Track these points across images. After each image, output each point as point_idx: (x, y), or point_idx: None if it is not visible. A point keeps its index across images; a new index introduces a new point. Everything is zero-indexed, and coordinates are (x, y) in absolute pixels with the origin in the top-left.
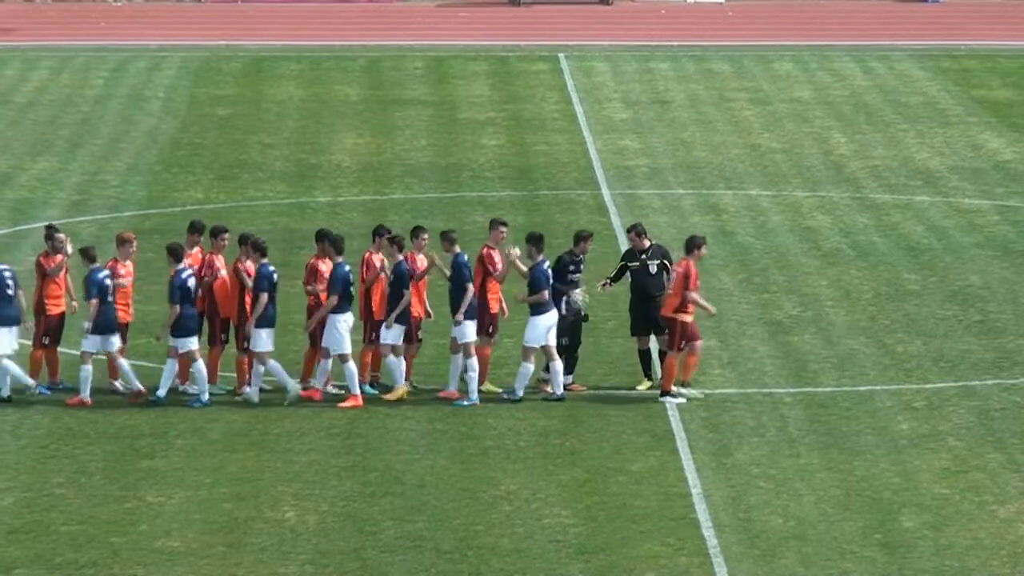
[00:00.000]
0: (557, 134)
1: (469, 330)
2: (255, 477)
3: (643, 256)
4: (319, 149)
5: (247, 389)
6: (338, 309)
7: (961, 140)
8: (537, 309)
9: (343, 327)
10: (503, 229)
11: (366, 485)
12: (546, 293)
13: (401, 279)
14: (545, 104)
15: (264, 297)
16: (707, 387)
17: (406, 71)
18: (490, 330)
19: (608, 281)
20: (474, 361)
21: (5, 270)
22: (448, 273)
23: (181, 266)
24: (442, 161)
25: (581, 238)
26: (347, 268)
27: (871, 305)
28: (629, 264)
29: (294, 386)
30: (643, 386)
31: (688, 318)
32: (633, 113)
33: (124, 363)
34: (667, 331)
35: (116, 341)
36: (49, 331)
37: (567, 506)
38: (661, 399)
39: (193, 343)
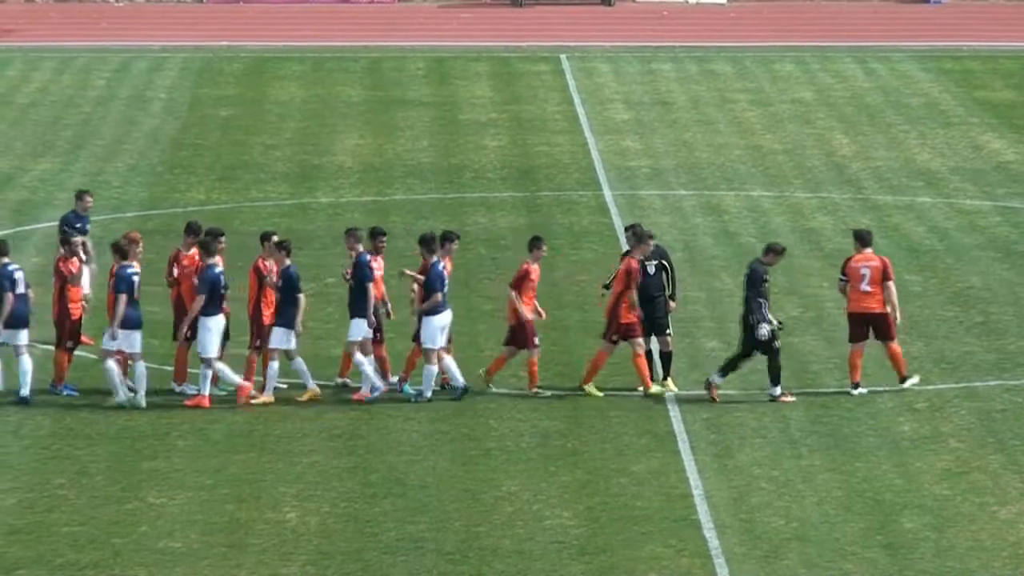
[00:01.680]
0: (559, 135)
1: (360, 329)
2: (257, 478)
3: (642, 257)
4: (321, 150)
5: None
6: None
7: (963, 141)
8: (432, 310)
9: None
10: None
11: (367, 486)
12: (439, 295)
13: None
14: (547, 105)
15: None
16: (697, 388)
17: (408, 72)
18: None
19: (604, 289)
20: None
21: (16, 269)
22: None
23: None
24: (444, 162)
25: (773, 251)
26: (218, 270)
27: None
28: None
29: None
30: (656, 388)
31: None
32: (635, 114)
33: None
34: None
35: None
36: (72, 334)
37: (568, 507)
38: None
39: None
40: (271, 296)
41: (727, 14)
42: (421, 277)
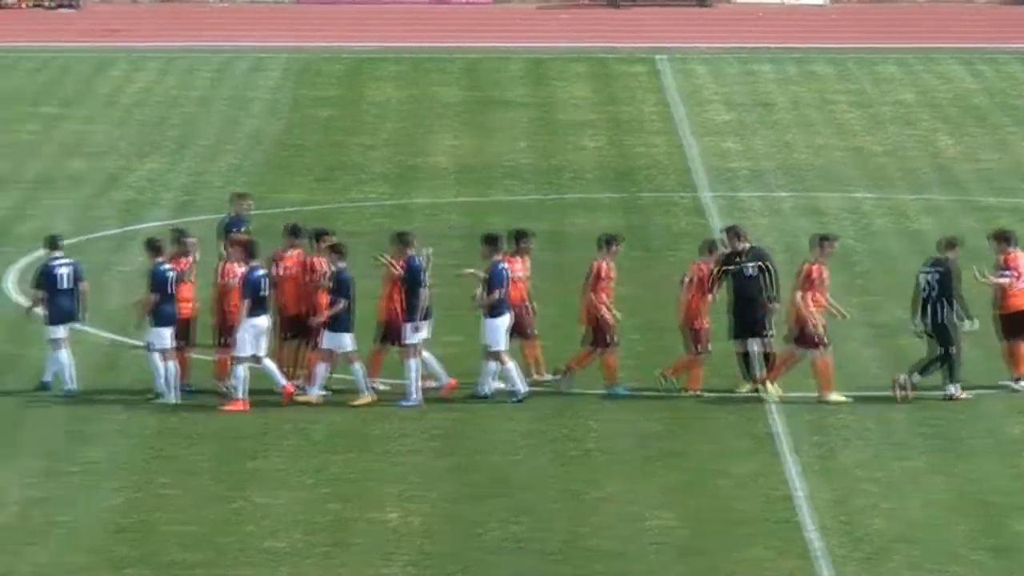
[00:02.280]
0: (656, 136)
1: (420, 333)
2: (359, 478)
3: (739, 259)
4: (419, 151)
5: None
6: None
7: None
8: (494, 311)
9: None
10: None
11: (470, 487)
12: (496, 294)
13: (342, 285)
14: (644, 106)
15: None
16: (811, 390)
17: (506, 73)
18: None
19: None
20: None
21: (61, 265)
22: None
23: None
24: (542, 163)
25: (956, 245)
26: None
27: (979, 308)
28: (726, 267)
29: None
30: (744, 389)
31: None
32: (734, 115)
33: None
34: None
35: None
36: (179, 333)
37: (669, 509)
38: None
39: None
40: (322, 296)
41: (828, 15)
42: (482, 274)
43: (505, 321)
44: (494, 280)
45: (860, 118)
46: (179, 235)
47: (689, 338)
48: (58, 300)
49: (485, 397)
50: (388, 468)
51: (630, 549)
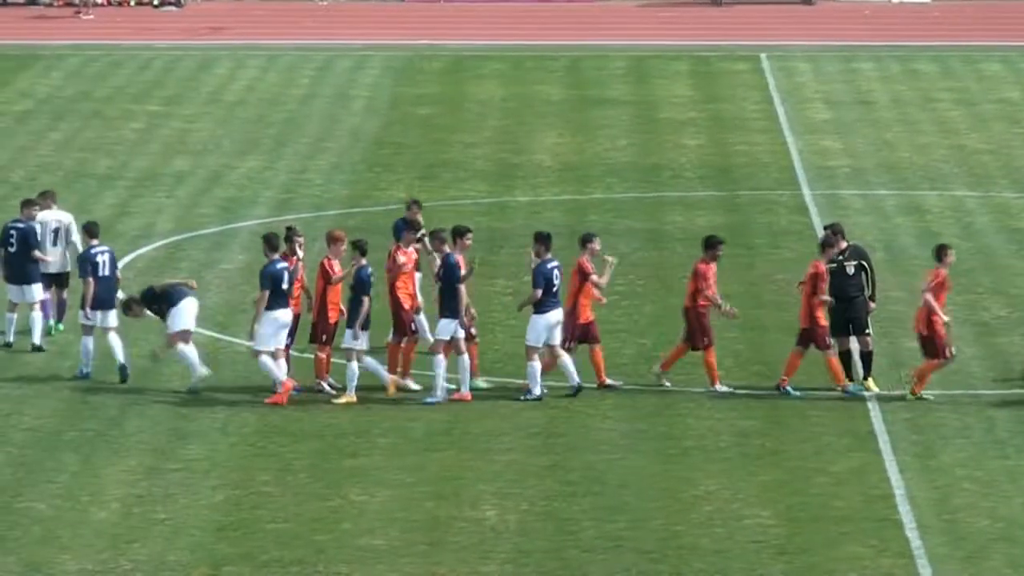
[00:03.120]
0: (758, 134)
1: (446, 328)
2: (456, 476)
3: (840, 257)
4: (520, 148)
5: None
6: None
7: None
8: (539, 308)
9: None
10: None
11: (566, 484)
12: (539, 292)
13: (362, 285)
14: (746, 104)
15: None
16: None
17: (607, 71)
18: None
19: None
20: (441, 358)
21: (101, 252)
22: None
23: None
24: (643, 161)
25: None
26: (280, 265)
27: None
28: (827, 265)
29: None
30: (863, 383)
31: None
32: (835, 113)
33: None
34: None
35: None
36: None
37: (768, 506)
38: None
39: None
40: (336, 295)
41: (930, 13)
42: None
43: (550, 317)
44: (538, 278)
45: (963, 116)
46: (291, 233)
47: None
48: (101, 287)
49: (539, 399)
50: (485, 466)
51: (728, 547)
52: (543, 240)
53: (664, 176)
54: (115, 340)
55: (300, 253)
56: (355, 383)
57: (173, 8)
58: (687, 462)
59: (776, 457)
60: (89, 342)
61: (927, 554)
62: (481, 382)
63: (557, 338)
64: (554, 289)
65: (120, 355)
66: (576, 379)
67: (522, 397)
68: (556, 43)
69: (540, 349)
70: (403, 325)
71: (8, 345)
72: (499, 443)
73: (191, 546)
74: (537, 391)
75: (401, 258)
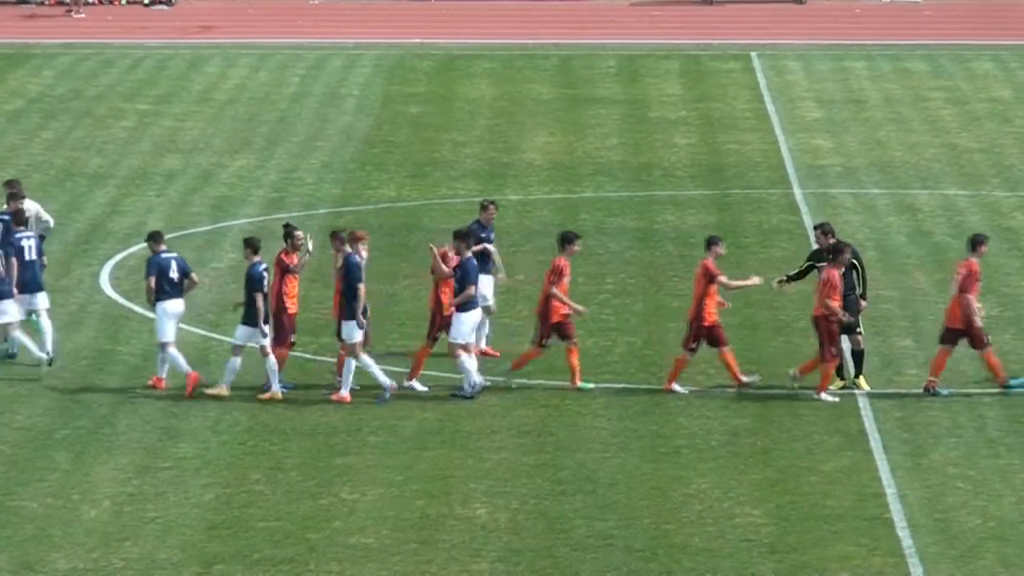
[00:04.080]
0: (749, 133)
1: (356, 331)
2: (447, 474)
3: (831, 255)
4: (511, 147)
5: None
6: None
7: None
8: (464, 306)
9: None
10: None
11: (557, 483)
12: (473, 289)
13: (251, 281)
14: (737, 103)
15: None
16: (902, 387)
17: (598, 70)
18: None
19: (786, 279)
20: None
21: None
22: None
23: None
24: (633, 160)
25: None
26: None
27: None
28: (816, 264)
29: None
30: (835, 385)
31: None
32: (826, 112)
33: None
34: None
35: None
36: (292, 329)
37: (758, 505)
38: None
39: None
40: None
41: (921, 12)
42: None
43: (475, 316)
44: (468, 276)
45: (955, 115)
46: (290, 230)
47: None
48: (20, 270)
49: (470, 397)
50: (476, 464)
51: (719, 546)
52: (463, 238)
53: (655, 175)
54: (46, 323)
55: (311, 247)
56: (232, 378)
57: (164, 7)
58: (678, 461)
59: (767, 456)
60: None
61: (918, 553)
62: (416, 384)
63: (481, 336)
64: (480, 285)
65: (48, 339)
66: (474, 380)
67: (459, 392)
68: (547, 42)
69: (469, 344)
70: (437, 327)
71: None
72: (490, 441)
73: (182, 544)
74: (477, 379)
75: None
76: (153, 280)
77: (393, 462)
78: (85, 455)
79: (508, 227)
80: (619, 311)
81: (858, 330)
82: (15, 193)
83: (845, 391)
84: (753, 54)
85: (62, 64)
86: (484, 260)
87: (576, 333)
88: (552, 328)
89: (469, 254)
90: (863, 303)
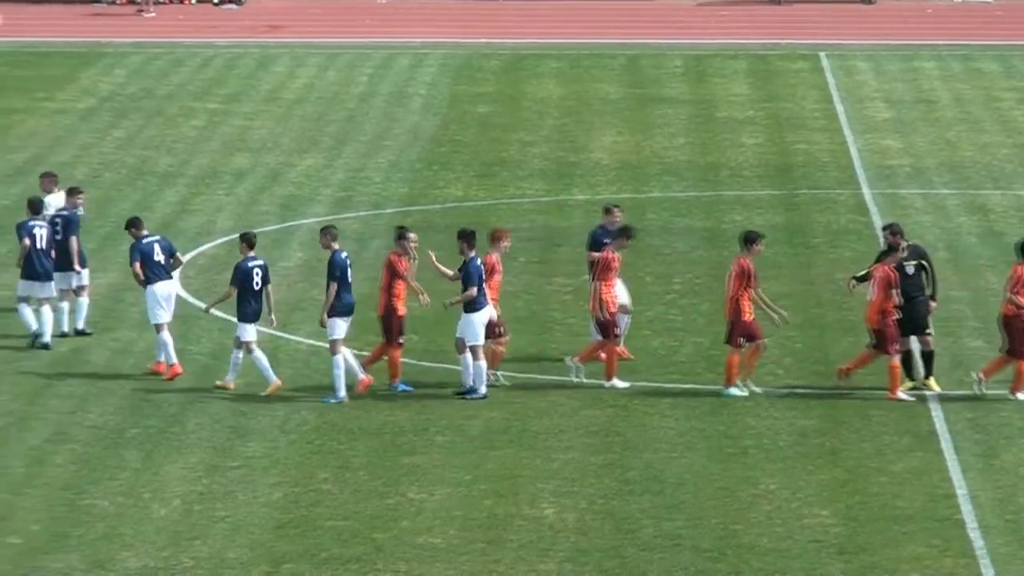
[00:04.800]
0: (817, 133)
1: (337, 328)
2: (514, 474)
3: (899, 256)
4: (578, 147)
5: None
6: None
7: None
8: (471, 306)
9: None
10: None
11: (625, 483)
12: (474, 290)
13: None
14: (805, 103)
15: (335, 285)
16: (970, 387)
17: (665, 69)
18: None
19: (854, 280)
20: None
21: (258, 266)
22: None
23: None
24: (701, 159)
25: None
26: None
27: None
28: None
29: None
30: (905, 386)
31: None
32: (896, 112)
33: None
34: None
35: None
36: (402, 330)
37: (827, 506)
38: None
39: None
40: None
41: (993, 12)
42: (449, 272)
43: (483, 316)
44: (470, 277)
45: None
46: (403, 232)
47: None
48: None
49: (473, 391)
50: (544, 464)
51: (787, 546)
52: (467, 237)
53: (722, 175)
54: (48, 314)
55: (413, 254)
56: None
57: (233, 6)
58: (745, 461)
59: (836, 456)
60: (23, 310)
61: (990, 554)
62: (401, 385)
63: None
64: (484, 286)
65: (48, 329)
66: (471, 382)
67: (467, 397)
68: (614, 41)
69: (481, 345)
70: (608, 329)
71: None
72: (558, 441)
73: (251, 544)
74: (483, 390)
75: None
76: (138, 265)
77: (460, 461)
78: (155, 454)
79: (575, 227)
80: (686, 311)
81: (928, 331)
82: (73, 188)
83: (915, 391)
84: (822, 54)
85: (133, 63)
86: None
87: (763, 335)
88: (742, 328)
89: (473, 254)
90: (933, 304)
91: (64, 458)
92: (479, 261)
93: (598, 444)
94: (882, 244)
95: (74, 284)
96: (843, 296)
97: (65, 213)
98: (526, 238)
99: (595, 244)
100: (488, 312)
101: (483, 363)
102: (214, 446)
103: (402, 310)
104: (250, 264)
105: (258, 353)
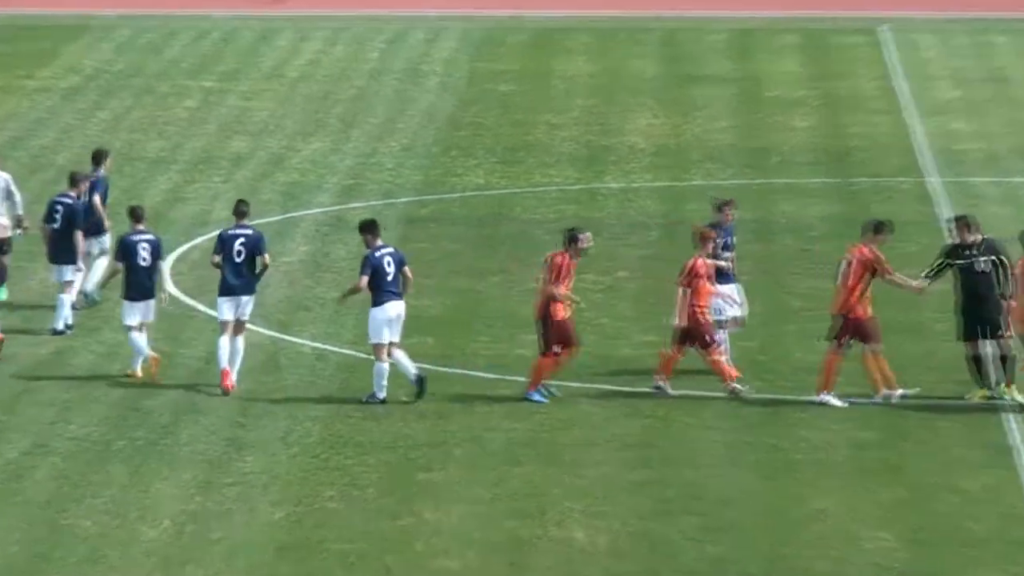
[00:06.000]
0: (876, 115)
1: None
2: (540, 492)
3: (970, 252)
4: (610, 130)
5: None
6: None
7: None
8: (375, 301)
9: None
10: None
11: (663, 502)
12: (364, 280)
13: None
14: (862, 82)
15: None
16: None
17: (707, 44)
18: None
19: (927, 280)
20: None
21: (145, 240)
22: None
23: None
24: (747, 144)
25: None
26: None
27: None
28: (953, 261)
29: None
30: (976, 395)
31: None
32: (965, 92)
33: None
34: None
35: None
36: (564, 338)
37: (889, 527)
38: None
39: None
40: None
41: None
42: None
43: (388, 311)
44: (365, 267)
45: None
46: (574, 234)
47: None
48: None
49: (382, 401)
50: (572, 481)
51: (844, 571)
52: (370, 228)
53: (771, 161)
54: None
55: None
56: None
57: None
58: (797, 477)
59: (898, 473)
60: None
61: None
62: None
63: (398, 334)
64: (388, 279)
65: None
66: (413, 371)
67: (364, 399)
68: (650, 13)
69: (384, 345)
70: (702, 335)
71: (59, 332)
72: (588, 456)
73: (249, 568)
74: (381, 395)
75: (701, 270)
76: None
77: (481, 478)
78: (144, 469)
79: (608, 218)
80: None
81: (1004, 334)
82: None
83: (989, 400)
84: (882, 27)
85: (120, 37)
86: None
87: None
88: (853, 327)
89: (379, 243)
90: (1010, 303)
91: (44, 473)
92: (379, 253)
93: (633, 459)
94: (949, 237)
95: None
96: (911, 296)
97: (68, 201)
98: (553, 230)
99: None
100: (395, 308)
101: (385, 365)
102: (209, 460)
103: (561, 314)
104: (134, 238)
105: (135, 335)
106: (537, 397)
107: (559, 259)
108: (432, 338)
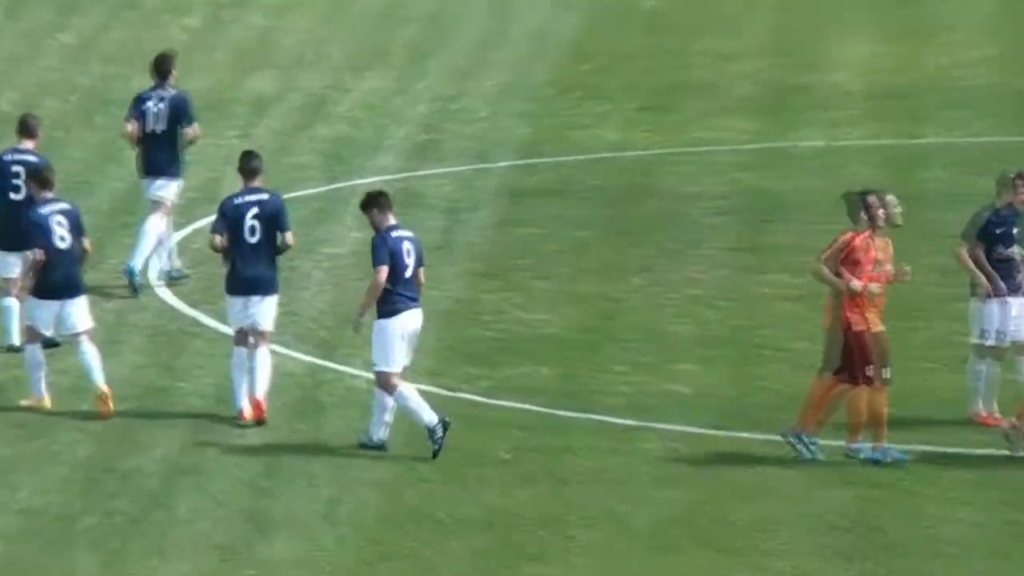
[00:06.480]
0: None
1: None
2: None
3: None
4: (805, 63)
5: None
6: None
7: None
8: (383, 308)
9: None
10: None
11: None
12: (383, 274)
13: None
14: None
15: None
16: None
17: None
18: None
19: None
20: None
21: (60, 211)
22: None
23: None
24: (1016, 83)
25: None
26: None
27: None
28: None
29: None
30: None
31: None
32: None
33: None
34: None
35: None
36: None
37: None
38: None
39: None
40: None
41: None
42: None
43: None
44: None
45: None
46: (869, 198)
47: None
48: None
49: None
50: (751, 575)
51: None
52: (377, 202)
53: None
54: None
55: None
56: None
57: None
58: None
59: None
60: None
61: None
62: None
63: (411, 355)
64: (407, 275)
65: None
66: (432, 415)
67: (360, 441)
68: None
69: (397, 373)
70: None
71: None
72: (774, 539)
73: None
74: (380, 435)
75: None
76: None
77: (618, 572)
78: (124, 556)
79: (795, 193)
80: None
81: None
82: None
83: None
84: None
85: None
86: (1010, 270)
87: None
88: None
89: (392, 222)
90: None
91: None
92: (396, 234)
93: (841, 546)
94: None
95: None
96: None
97: (29, 159)
98: (722, 210)
99: (986, 236)
100: (414, 319)
101: (389, 401)
102: (218, 545)
103: (866, 325)
104: (44, 210)
105: (33, 349)
106: (875, 455)
107: (848, 238)
108: (547, 367)
